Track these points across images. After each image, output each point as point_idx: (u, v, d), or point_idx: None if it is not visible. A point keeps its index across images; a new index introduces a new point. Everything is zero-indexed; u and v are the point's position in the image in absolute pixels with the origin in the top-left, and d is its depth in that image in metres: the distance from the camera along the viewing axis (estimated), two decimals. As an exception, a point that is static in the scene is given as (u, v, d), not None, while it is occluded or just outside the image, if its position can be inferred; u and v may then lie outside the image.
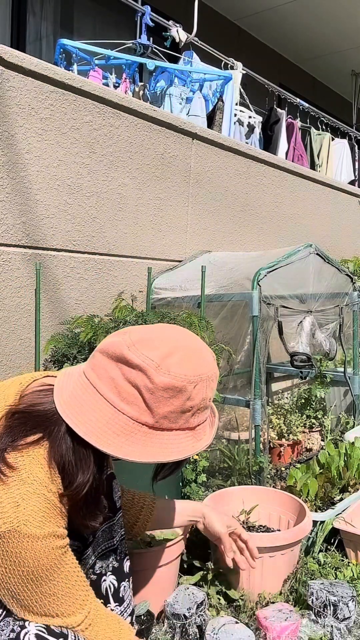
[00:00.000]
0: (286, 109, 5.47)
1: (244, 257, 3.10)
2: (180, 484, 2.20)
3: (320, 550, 1.92)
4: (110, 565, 1.27)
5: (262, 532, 1.90)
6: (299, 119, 5.63)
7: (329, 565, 1.84)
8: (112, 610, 1.25)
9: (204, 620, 1.50)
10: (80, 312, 2.64)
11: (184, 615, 1.47)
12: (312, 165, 5.79)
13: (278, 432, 3.02)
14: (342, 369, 3.18)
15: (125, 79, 4.00)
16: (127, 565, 1.30)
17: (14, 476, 0.97)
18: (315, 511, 2.03)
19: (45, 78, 2.41)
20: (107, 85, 3.90)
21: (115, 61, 3.97)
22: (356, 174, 6.38)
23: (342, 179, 5.87)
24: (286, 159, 5.16)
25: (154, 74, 4.13)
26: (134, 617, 1.33)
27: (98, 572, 1.26)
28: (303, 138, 5.76)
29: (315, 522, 1.90)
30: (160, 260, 3.11)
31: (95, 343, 2.28)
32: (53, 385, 1.06)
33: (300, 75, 7.94)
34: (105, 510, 1.18)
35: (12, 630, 1.00)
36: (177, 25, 4.20)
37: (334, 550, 1.93)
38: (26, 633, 1.00)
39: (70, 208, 2.60)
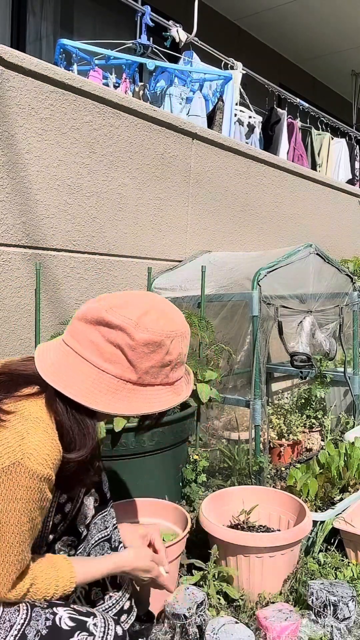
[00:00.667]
0: (286, 109, 5.47)
1: (244, 257, 3.10)
2: (180, 484, 2.20)
3: (320, 550, 1.92)
4: (106, 554, 1.29)
5: (262, 532, 1.90)
6: (299, 119, 5.63)
7: (329, 565, 1.84)
8: (110, 596, 1.29)
9: (204, 620, 1.50)
10: (80, 312, 2.64)
11: (184, 615, 1.47)
12: (314, 165, 5.79)
13: (278, 432, 3.02)
14: (342, 369, 3.18)
15: (125, 79, 4.00)
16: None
17: (15, 416, 1.01)
18: (315, 511, 2.03)
19: (45, 78, 2.41)
20: (107, 85, 3.90)
21: (115, 61, 3.97)
22: (356, 173, 6.38)
23: (339, 178, 5.87)
24: (287, 159, 5.16)
25: (154, 74, 4.13)
26: (132, 601, 1.33)
27: None
28: (303, 138, 5.76)
29: (315, 522, 1.90)
30: (160, 260, 3.11)
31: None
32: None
33: (300, 75, 7.94)
34: (91, 480, 1.21)
35: (47, 619, 1.06)
36: (177, 25, 4.20)
37: (334, 550, 1.93)
38: (60, 618, 1.06)
39: (70, 208, 2.60)
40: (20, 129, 2.35)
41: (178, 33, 4.15)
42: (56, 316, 2.58)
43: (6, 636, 1.02)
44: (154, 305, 1.09)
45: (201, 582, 1.68)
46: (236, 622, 1.50)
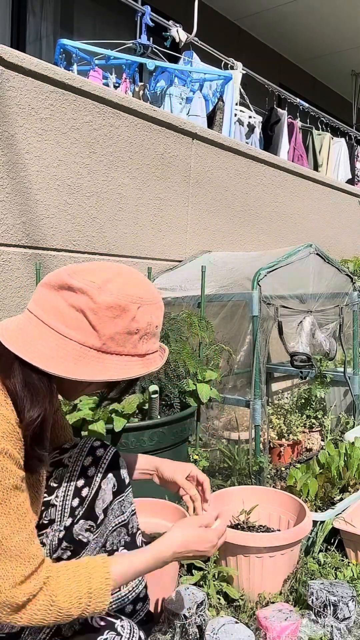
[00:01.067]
0: (286, 108, 5.48)
1: (244, 257, 3.10)
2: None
3: (320, 550, 1.92)
4: (122, 540, 1.27)
5: (262, 532, 1.90)
6: (299, 119, 5.64)
7: (329, 565, 1.84)
8: (126, 584, 1.25)
9: (204, 620, 1.50)
10: (80, 312, 2.64)
11: (184, 615, 1.47)
12: (315, 165, 5.78)
13: (278, 432, 3.02)
14: (342, 369, 3.18)
15: (125, 79, 4.00)
16: (139, 539, 1.31)
17: None
18: (315, 511, 2.03)
19: (45, 78, 2.41)
20: (107, 85, 3.90)
21: (115, 61, 3.97)
22: (356, 173, 6.38)
23: (339, 178, 5.87)
24: (287, 159, 5.16)
25: (154, 74, 4.13)
26: (147, 590, 1.33)
27: (109, 549, 1.26)
28: (305, 138, 5.76)
29: (315, 522, 1.90)
30: (160, 260, 3.11)
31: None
32: None
33: (300, 75, 7.94)
34: (47, 451, 1.12)
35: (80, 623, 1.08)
36: (177, 25, 4.20)
37: (334, 550, 1.93)
38: (92, 617, 1.07)
39: (70, 208, 2.60)
40: (20, 129, 2.35)
41: (178, 33, 4.16)
42: (56, 316, 2.58)
43: (41, 629, 1.03)
44: (121, 272, 1.05)
45: (201, 582, 1.68)
46: (236, 622, 1.50)
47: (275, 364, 3.48)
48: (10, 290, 2.38)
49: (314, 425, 3.22)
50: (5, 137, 2.30)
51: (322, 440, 3.17)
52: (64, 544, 1.22)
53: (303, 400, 3.39)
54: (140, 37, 4.01)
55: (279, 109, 5.41)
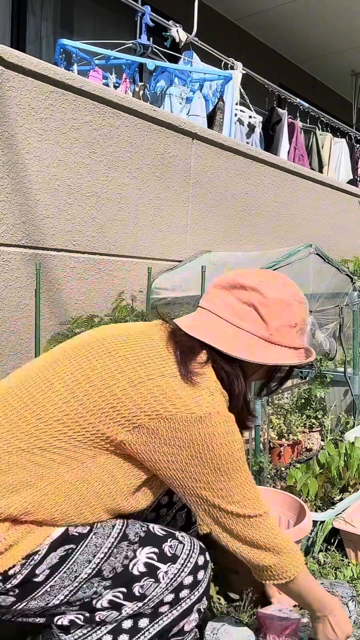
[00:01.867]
0: (286, 108, 5.47)
1: (244, 257, 3.10)
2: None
3: (320, 550, 1.92)
4: (182, 519, 1.46)
5: (262, 532, 1.90)
6: (299, 119, 5.63)
7: (329, 565, 1.84)
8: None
9: (204, 620, 1.50)
10: (80, 312, 2.64)
11: (184, 615, 1.47)
12: (320, 166, 5.77)
13: (278, 432, 3.02)
14: (342, 369, 3.18)
15: (125, 79, 4.00)
16: None
17: (203, 375, 1.12)
18: (315, 511, 2.03)
19: (45, 78, 2.41)
20: (107, 85, 3.90)
21: (115, 61, 3.97)
22: (358, 173, 6.38)
23: (340, 179, 5.87)
24: (287, 159, 5.15)
25: (154, 74, 4.13)
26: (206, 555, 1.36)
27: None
28: (307, 138, 5.75)
29: (315, 522, 1.90)
30: (160, 260, 3.11)
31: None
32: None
33: (300, 75, 7.94)
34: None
35: (142, 526, 1.18)
36: (177, 25, 4.20)
37: (334, 550, 1.93)
38: (135, 563, 1.12)
39: (70, 208, 2.60)
40: (20, 129, 2.35)
41: (178, 33, 4.16)
42: (56, 316, 2.58)
43: (109, 533, 1.13)
44: (281, 276, 1.24)
45: (201, 582, 1.68)
46: (236, 622, 1.50)
47: (275, 364, 3.47)
48: (10, 290, 2.38)
49: (314, 425, 3.22)
50: (5, 137, 2.30)
51: (322, 440, 3.17)
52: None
53: (303, 400, 3.38)
54: (140, 37, 4.01)
55: (279, 109, 5.41)
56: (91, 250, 2.71)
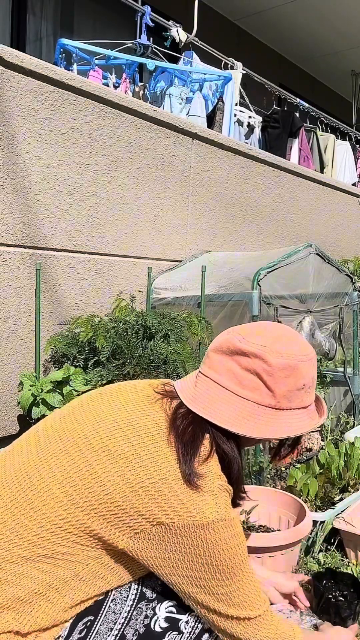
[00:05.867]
0: (285, 108, 5.47)
1: (244, 257, 3.10)
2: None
3: (320, 550, 1.92)
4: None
5: (262, 532, 1.90)
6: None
7: (329, 565, 1.84)
8: (187, 622, 1.28)
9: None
10: (80, 312, 2.64)
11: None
12: (322, 167, 5.77)
13: (278, 432, 3.02)
14: (342, 369, 3.18)
15: (125, 79, 4.00)
16: None
17: (207, 475, 1.05)
18: (315, 511, 2.02)
19: (45, 78, 2.41)
20: (107, 85, 3.90)
21: (115, 61, 3.97)
22: (358, 173, 6.38)
23: (345, 181, 5.87)
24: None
25: (154, 74, 4.13)
26: None
27: None
28: (307, 138, 5.75)
29: (315, 522, 1.90)
30: (160, 260, 3.11)
31: (95, 343, 2.28)
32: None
33: (300, 75, 7.94)
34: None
35: (146, 617, 1.11)
36: (177, 25, 4.20)
37: (334, 550, 1.93)
38: (156, 620, 1.10)
39: (70, 208, 2.60)
40: (20, 129, 2.35)
41: (178, 33, 4.16)
42: (56, 316, 2.58)
43: (127, 596, 1.10)
44: (281, 332, 1.15)
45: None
46: (236, 622, 1.50)
47: (275, 364, 3.48)
48: (10, 290, 2.38)
49: (314, 425, 3.21)
50: (5, 137, 2.30)
51: (322, 440, 3.17)
52: None
53: (303, 400, 3.38)
54: (140, 37, 4.01)
55: (296, 114, 5.37)
56: (91, 250, 2.71)
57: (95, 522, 1.02)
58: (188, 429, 1.08)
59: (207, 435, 1.08)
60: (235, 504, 1.18)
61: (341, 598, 1.53)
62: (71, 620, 1.07)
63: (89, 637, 1.06)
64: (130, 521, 1.02)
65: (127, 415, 1.10)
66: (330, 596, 1.53)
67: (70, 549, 1.03)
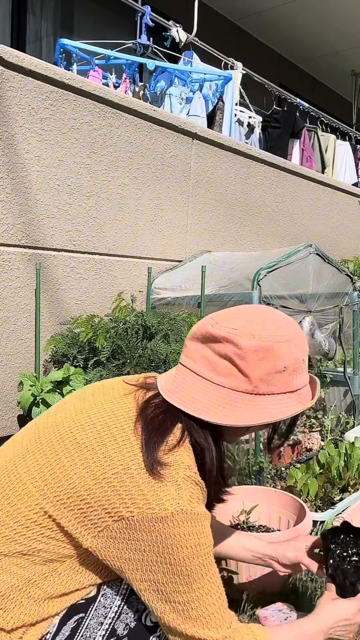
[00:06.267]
0: (285, 108, 5.47)
1: (244, 257, 3.10)
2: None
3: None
4: None
5: (262, 532, 1.90)
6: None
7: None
8: None
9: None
10: (80, 312, 2.64)
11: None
12: (323, 167, 5.77)
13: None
14: (342, 369, 3.18)
15: (125, 79, 4.00)
16: None
17: (172, 465, 1.00)
18: (315, 511, 2.03)
19: (45, 78, 2.41)
20: (107, 85, 3.90)
21: (115, 61, 3.97)
22: (358, 173, 6.38)
23: (345, 182, 5.87)
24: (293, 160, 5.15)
25: (154, 74, 4.13)
26: None
27: None
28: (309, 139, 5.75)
29: (315, 522, 1.90)
30: (160, 260, 3.11)
31: (95, 343, 2.28)
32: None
33: (300, 75, 7.94)
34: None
35: (137, 611, 1.07)
36: (177, 25, 4.20)
37: (333, 550, 1.93)
38: (147, 615, 1.06)
39: (70, 208, 2.60)
40: (20, 129, 2.35)
41: (178, 33, 4.16)
42: (56, 316, 2.58)
43: (117, 591, 1.07)
44: (260, 313, 1.09)
45: (201, 582, 1.68)
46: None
47: (275, 364, 3.48)
48: (10, 290, 2.38)
49: (314, 425, 3.22)
50: (5, 137, 2.30)
51: (322, 440, 3.17)
52: None
53: (303, 400, 3.38)
54: (140, 37, 4.01)
55: (297, 114, 5.38)
56: (91, 250, 2.71)
57: (63, 519, 1.01)
58: (158, 417, 1.04)
59: (179, 425, 1.04)
60: (216, 500, 1.13)
61: (355, 558, 1.28)
62: (61, 614, 1.05)
63: (79, 631, 1.04)
64: (95, 517, 0.99)
65: (100, 408, 1.09)
66: (338, 558, 1.27)
67: (46, 545, 1.02)
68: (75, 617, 1.05)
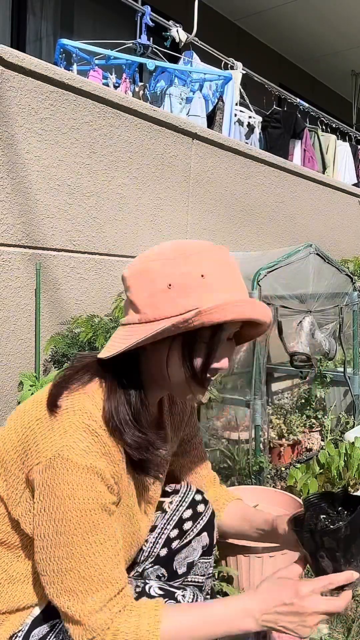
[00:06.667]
0: (285, 108, 5.47)
1: (243, 257, 3.09)
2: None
3: (320, 550, 1.92)
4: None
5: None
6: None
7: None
8: (171, 502, 1.24)
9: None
10: (80, 312, 2.64)
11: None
12: (323, 167, 5.77)
13: (278, 432, 3.02)
14: (342, 369, 3.18)
15: (125, 79, 4.00)
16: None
17: (67, 409, 0.94)
18: (315, 511, 2.02)
19: (45, 78, 2.41)
20: (107, 85, 3.90)
21: (115, 61, 3.97)
22: (359, 173, 6.38)
23: (345, 182, 5.87)
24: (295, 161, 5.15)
25: (154, 74, 4.13)
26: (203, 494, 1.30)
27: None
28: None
29: (315, 522, 1.90)
30: (160, 260, 3.11)
31: (95, 343, 2.28)
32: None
33: (300, 75, 7.94)
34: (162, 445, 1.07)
35: (137, 586, 1.04)
36: (177, 25, 4.20)
37: (333, 550, 1.93)
38: (150, 587, 1.04)
39: (70, 208, 2.60)
40: (20, 129, 2.35)
41: (178, 33, 4.15)
42: (56, 316, 2.58)
43: None
44: (158, 246, 1.03)
45: (201, 582, 1.68)
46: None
47: (275, 364, 3.48)
48: (10, 290, 2.38)
49: (314, 425, 3.22)
50: (5, 137, 2.30)
51: (322, 440, 3.17)
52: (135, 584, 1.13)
53: (303, 400, 3.39)
54: (140, 37, 4.01)
55: (298, 115, 5.37)
56: (91, 250, 2.71)
57: (9, 490, 0.98)
58: (69, 371, 1.01)
59: (89, 372, 0.99)
60: (139, 466, 1.00)
61: (327, 522, 1.08)
62: (34, 617, 1.01)
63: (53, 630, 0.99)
64: (18, 487, 0.96)
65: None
66: (312, 524, 1.07)
67: (5, 525, 1.00)
68: (51, 622, 1.00)
